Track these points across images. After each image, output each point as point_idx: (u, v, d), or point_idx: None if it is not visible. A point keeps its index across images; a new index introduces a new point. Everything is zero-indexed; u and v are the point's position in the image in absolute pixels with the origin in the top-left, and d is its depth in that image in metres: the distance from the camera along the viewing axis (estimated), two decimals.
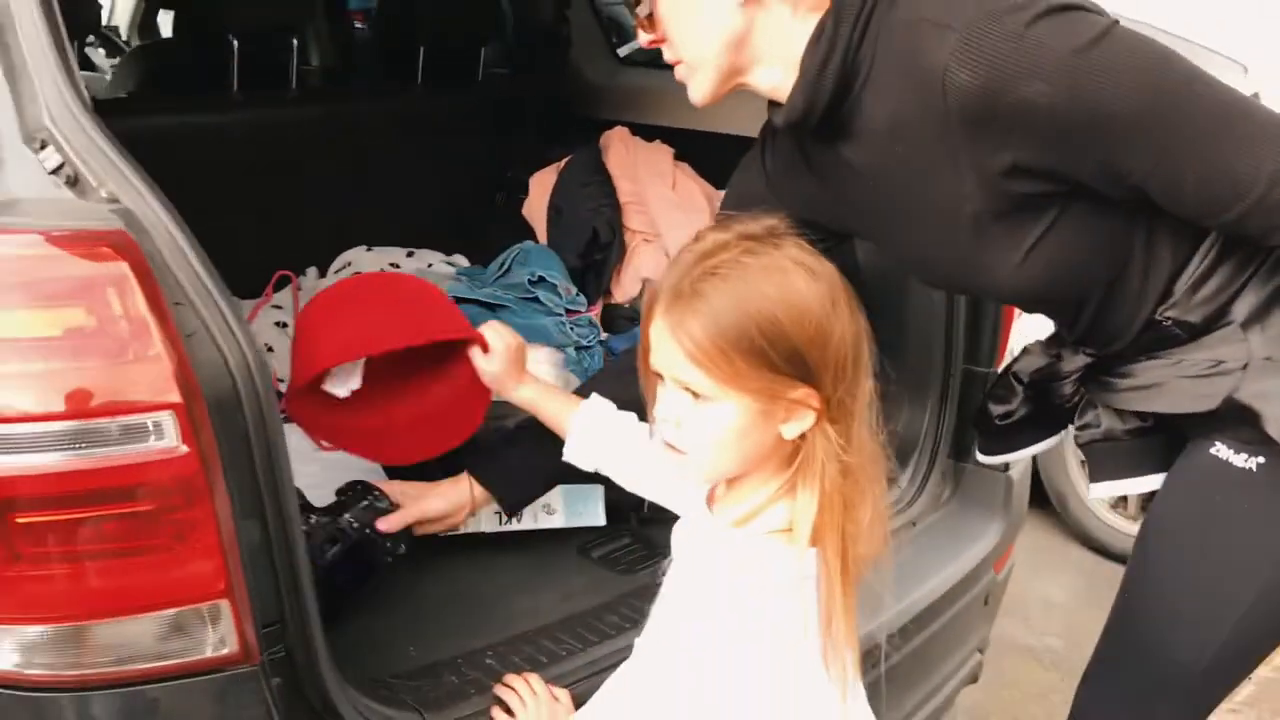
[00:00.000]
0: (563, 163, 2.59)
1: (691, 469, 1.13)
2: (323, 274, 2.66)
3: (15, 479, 1.03)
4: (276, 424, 1.14)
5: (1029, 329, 1.96)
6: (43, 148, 1.16)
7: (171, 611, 1.09)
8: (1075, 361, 1.40)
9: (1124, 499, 3.55)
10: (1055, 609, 3.29)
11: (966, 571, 1.96)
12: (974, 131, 1.19)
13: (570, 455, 1.49)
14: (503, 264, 2.47)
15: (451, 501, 1.61)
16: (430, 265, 2.72)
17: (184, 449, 1.05)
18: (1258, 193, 1.18)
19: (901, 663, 1.75)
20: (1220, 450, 1.32)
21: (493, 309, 2.31)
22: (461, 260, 2.77)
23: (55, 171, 1.16)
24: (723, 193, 2.59)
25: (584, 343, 2.15)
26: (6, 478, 1.03)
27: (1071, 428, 1.46)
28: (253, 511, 1.12)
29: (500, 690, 1.38)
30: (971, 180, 1.23)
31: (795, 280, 1.06)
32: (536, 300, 2.26)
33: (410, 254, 2.74)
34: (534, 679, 1.39)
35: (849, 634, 1.10)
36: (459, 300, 2.33)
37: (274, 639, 1.16)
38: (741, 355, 1.04)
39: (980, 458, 1.61)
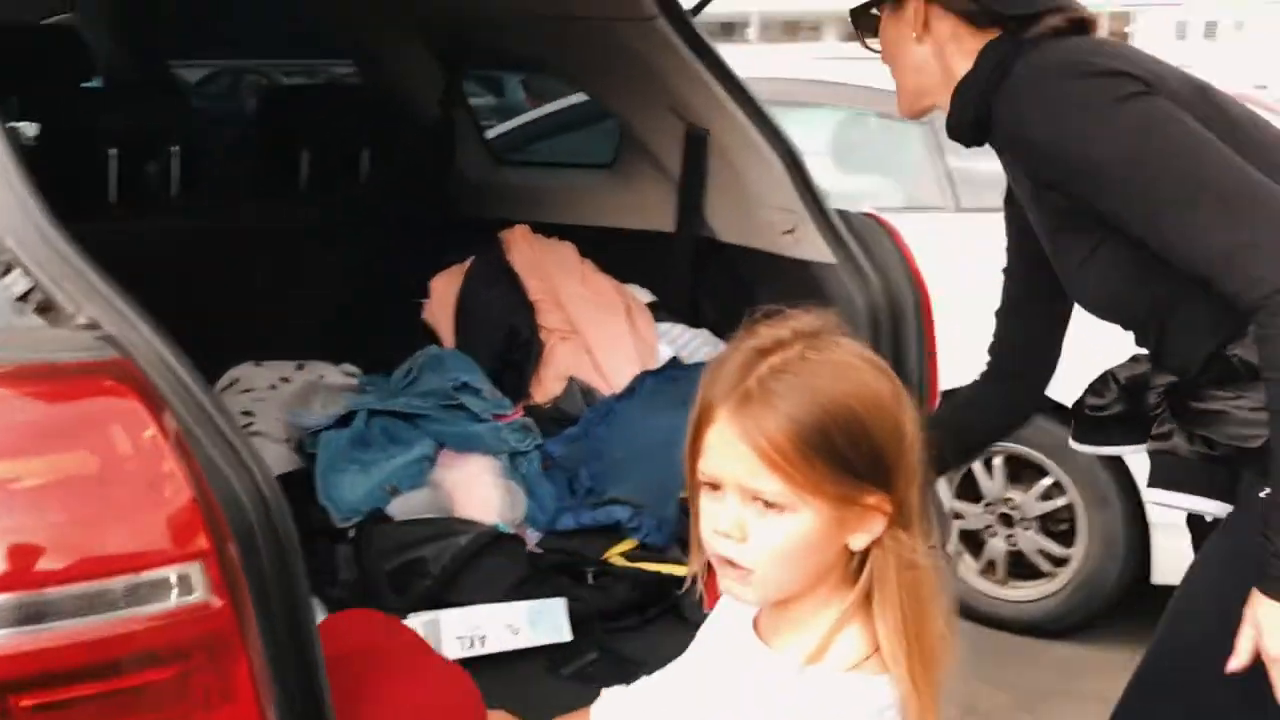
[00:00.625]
0: (466, 264, 2.52)
1: (754, 589, 1.04)
2: None
3: (20, 655, 0.88)
4: (298, 561, 1.03)
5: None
6: (6, 272, 1.04)
7: None
8: (1163, 377, 1.49)
9: (992, 565, 3.62)
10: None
11: None
12: (1011, 155, 1.47)
13: None
14: (409, 371, 2.36)
15: None
16: (323, 377, 2.57)
17: (217, 602, 0.93)
18: (1215, 273, 1.27)
19: None
20: (1265, 496, 1.35)
21: (409, 419, 2.20)
22: (352, 369, 2.64)
23: (23, 298, 1.03)
24: (630, 286, 2.58)
25: (520, 448, 2.06)
26: (9, 655, 0.88)
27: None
28: (281, 663, 1.00)
29: None
30: (1032, 192, 1.48)
31: (866, 376, 1.02)
32: (460, 408, 2.16)
33: (300, 366, 2.58)
34: None
35: None
36: (372, 414, 2.22)
37: None
38: (821, 458, 0.98)
39: (1073, 444, 1.67)
